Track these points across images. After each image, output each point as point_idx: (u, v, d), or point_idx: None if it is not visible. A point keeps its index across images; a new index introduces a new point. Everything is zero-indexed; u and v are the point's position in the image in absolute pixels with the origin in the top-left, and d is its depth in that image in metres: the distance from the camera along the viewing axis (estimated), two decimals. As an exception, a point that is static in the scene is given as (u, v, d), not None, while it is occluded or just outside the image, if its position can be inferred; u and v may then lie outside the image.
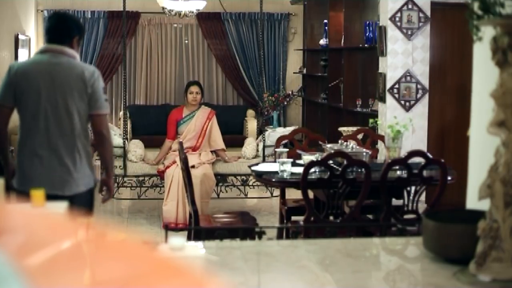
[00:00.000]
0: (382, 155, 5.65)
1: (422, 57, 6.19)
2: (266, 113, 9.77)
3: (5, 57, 8.00)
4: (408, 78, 6.19)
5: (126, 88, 7.32)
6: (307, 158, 4.75)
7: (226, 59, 10.51)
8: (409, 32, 6.15)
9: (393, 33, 6.15)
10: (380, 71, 6.40)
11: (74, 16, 3.86)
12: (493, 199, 1.79)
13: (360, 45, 7.91)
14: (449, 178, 4.36)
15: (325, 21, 9.19)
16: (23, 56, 8.85)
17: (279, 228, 5.06)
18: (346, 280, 1.93)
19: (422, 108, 6.24)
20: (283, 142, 5.64)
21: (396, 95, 6.20)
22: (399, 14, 6.14)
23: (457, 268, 1.90)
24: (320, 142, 5.43)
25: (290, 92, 10.37)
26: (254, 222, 4.85)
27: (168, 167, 6.52)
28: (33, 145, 3.37)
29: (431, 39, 6.22)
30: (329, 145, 4.96)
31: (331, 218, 4.35)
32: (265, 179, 4.71)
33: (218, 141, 6.83)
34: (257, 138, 8.03)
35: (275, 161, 5.05)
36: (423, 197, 4.52)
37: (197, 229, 3.96)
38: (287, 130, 7.34)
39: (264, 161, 6.68)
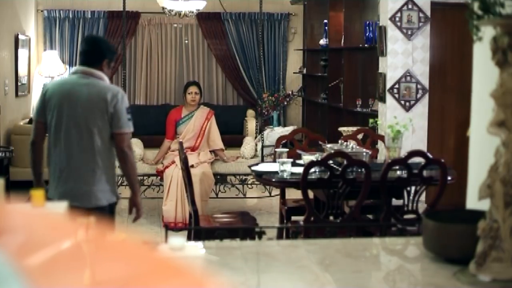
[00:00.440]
0: (382, 155, 5.65)
1: (422, 57, 6.19)
2: (266, 113, 9.77)
3: (5, 57, 8.00)
4: (408, 78, 6.19)
5: (126, 88, 7.33)
6: (307, 158, 4.75)
7: (226, 59, 10.50)
8: (409, 32, 6.15)
9: (393, 33, 6.15)
10: (380, 71, 6.40)
11: (106, 40, 4.04)
12: (493, 199, 1.79)
13: (360, 45, 7.91)
14: (449, 178, 4.36)
15: (325, 21, 9.18)
16: (23, 56, 8.85)
17: (279, 228, 5.06)
18: (346, 280, 1.93)
19: (422, 108, 6.24)
20: (283, 142, 5.64)
21: (396, 95, 6.20)
22: (399, 14, 6.14)
23: (457, 268, 1.90)
24: (320, 142, 5.43)
25: (290, 92, 10.36)
26: (254, 222, 4.85)
27: (167, 167, 6.52)
28: (56, 158, 3.59)
29: (431, 39, 6.22)
30: (329, 145, 4.96)
31: (331, 218, 4.35)
32: (265, 179, 4.71)
33: (217, 141, 6.84)
34: (255, 138, 8.02)
35: (274, 161, 5.05)
36: (423, 197, 4.52)
37: (197, 229, 3.96)
38: (286, 130, 7.34)
39: (262, 161, 6.68)
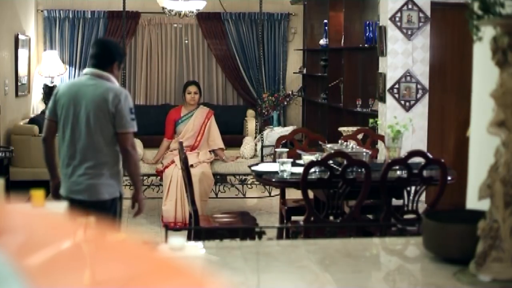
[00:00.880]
0: (382, 155, 5.64)
1: (422, 57, 6.19)
2: (266, 113, 9.77)
3: (5, 57, 8.00)
4: (408, 78, 6.19)
5: (125, 88, 7.33)
6: (307, 158, 4.75)
7: (226, 59, 10.50)
8: (409, 32, 6.15)
9: (393, 33, 6.15)
10: (380, 71, 6.40)
11: (116, 43, 4.20)
12: (493, 199, 1.79)
13: (360, 45, 7.91)
14: (449, 178, 4.36)
15: (325, 21, 9.18)
16: (23, 56, 8.85)
17: (279, 228, 5.06)
18: (346, 280, 1.93)
19: (422, 108, 6.24)
20: (283, 142, 5.64)
21: (396, 95, 6.20)
22: (399, 14, 6.14)
23: (457, 268, 1.90)
24: (320, 142, 5.43)
25: (290, 92, 10.36)
26: (254, 222, 4.85)
27: (166, 167, 6.52)
28: (64, 154, 3.80)
29: (431, 39, 6.22)
30: (329, 145, 4.96)
31: (331, 218, 4.35)
32: (265, 179, 4.71)
33: (217, 140, 6.84)
34: (255, 138, 8.02)
35: (274, 161, 5.04)
36: (423, 197, 4.52)
37: (197, 229, 3.96)
38: (286, 130, 7.34)
39: (262, 161, 6.68)
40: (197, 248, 2.13)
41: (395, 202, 4.60)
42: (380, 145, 5.98)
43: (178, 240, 1.69)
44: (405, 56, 6.17)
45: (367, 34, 7.61)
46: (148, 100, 10.47)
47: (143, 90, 10.46)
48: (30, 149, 7.74)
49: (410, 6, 6.13)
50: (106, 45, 3.92)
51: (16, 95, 8.47)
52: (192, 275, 0.73)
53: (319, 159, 4.37)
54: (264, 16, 9.93)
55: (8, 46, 8.15)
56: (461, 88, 6.14)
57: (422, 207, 4.51)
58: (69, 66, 10.07)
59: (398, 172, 4.52)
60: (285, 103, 10.36)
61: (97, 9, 10.06)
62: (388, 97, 6.21)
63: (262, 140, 7.21)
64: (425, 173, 4.32)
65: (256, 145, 7.35)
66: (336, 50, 8.77)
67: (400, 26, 6.14)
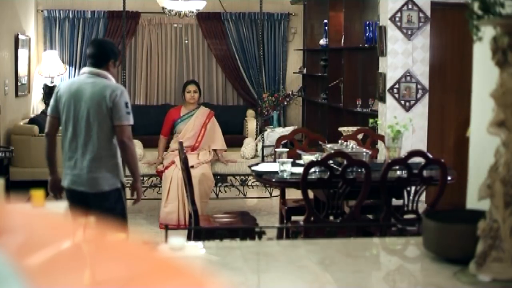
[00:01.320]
0: (382, 155, 5.64)
1: (422, 57, 6.19)
2: (266, 113, 9.77)
3: (5, 57, 8.00)
4: (408, 78, 6.19)
5: (126, 87, 7.32)
6: (307, 158, 4.75)
7: (226, 59, 10.50)
8: (409, 32, 6.15)
9: (393, 33, 6.15)
10: (380, 71, 6.40)
11: (110, 42, 4.44)
12: (493, 199, 1.79)
13: (360, 45, 7.91)
14: (449, 178, 4.36)
15: (325, 21, 9.18)
16: (23, 56, 8.85)
17: (279, 228, 5.06)
18: (346, 280, 1.93)
19: (422, 108, 6.24)
20: (283, 142, 5.64)
21: (396, 95, 6.20)
22: (399, 14, 6.13)
23: (457, 268, 1.90)
24: (320, 142, 5.43)
25: (290, 92, 10.37)
26: (254, 222, 4.85)
27: (167, 167, 6.50)
28: (66, 149, 4.06)
29: (431, 39, 6.22)
30: (329, 145, 4.96)
31: (331, 218, 4.35)
32: (265, 179, 4.71)
33: (219, 142, 6.81)
34: (256, 138, 8.02)
35: (275, 161, 5.04)
36: (423, 197, 4.52)
37: (197, 229, 3.96)
38: (286, 130, 7.34)
39: (263, 161, 6.67)
40: (197, 248, 2.13)
41: (395, 202, 4.60)
42: (380, 145, 5.98)
43: (178, 240, 1.69)
44: (405, 56, 6.17)
45: (367, 34, 7.61)
46: (148, 100, 10.47)
47: (143, 90, 10.46)
48: (30, 149, 7.74)
49: (410, 6, 6.13)
50: (101, 45, 4.16)
51: (16, 95, 8.46)
52: (192, 275, 0.73)
53: (319, 159, 4.37)
54: (264, 16, 9.93)
55: (8, 46, 8.15)
56: (461, 88, 6.14)
57: (422, 207, 4.50)
58: (69, 66, 10.07)
59: (398, 172, 4.52)
60: (285, 103, 10.36)
61: (97, 9, 10.06)
62: (388, 97, 6.21)
63: (263, 140, 7.20)
64: (425, 173, 4.32)
65: (257, 145, 7.35)
66: (336, 50, 8.77)
67: (400, 26, 6.14)
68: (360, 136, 5.67)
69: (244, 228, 4.02)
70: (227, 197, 7.13)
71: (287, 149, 5.16)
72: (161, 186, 6.76)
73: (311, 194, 4.56)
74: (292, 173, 4.54)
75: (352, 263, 2.06)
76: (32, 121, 8.10)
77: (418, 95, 6.21)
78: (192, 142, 6.65)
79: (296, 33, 10.75)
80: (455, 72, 6.39)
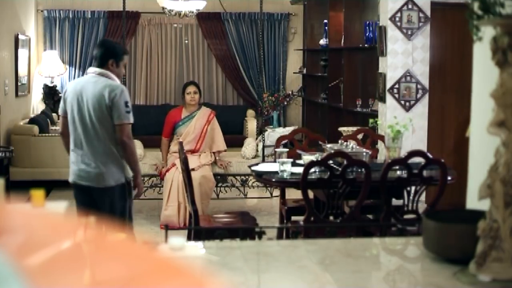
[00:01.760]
0: (382, 155, 5.64)
1: (422, 57, 6.19)
2: (266, 113, 9.77)
3: (5, 57, 8.00)
4: (408, 78, 6.19)
5: (126, 87, 7.31)
6: (307, 158, 4.75)
7: (226, 59, 10.51)
8: (409, 32, 6.15)
9: (393, 33, 6.15)
10: (380, 71, 6.40)
11: (112, 43, 4.58)
12: (493, 199, 1.79)
13: (360, 45, 7.91)
14: (449, 178, 4.36)
15: (325, 21, 9.18)
16: (23, 56, 8.85)
17: (279, 228, 5.06)
18: (346, 280, 1.93)
19: (422, 108, 6.24)
20: (283, 142, 5.63)
21: (396, 95, 6.20)
22: (399, 14, 6.13)
23: (457, 268, 1.90)
24: (320, 142, 5.43)
25: (290, 92, 10.37)
26: (254, 222, 4.85)
27: (168, 170, 6.48)
28: (72, 145, 4.20)
29: (431, 39, 6.22)
30: (329, 145, 4.96)
31: (331, 218, 4.35)
32: (265, 179, 4.71)
33: (219, 143, 6.77)
34: (256, 138, 8.01)
35: (275, 161, 5.04)
36: (423, 197, 4.51)
37: (197, 229, 3.96)
38: (287, 130, 7.33)
39: (263, 161, 6.66)
40: (197, 248, 2.13)
41: (395, 202, 4.60)
42: (380, 145, 5.98)
43: (178, 240, 1.69)
44: (405, 56, 6.17)
45: (367, 34, 7.61)
46: (148, 100, 10.47)
47: (143, 90, 10.46)
48: (30, 149, 7.74)
49: (410, 6, 6.13)
50: (102, 45, 4.31)
51: (16, 95, 8.46)
52: (192, 275, 0.73)
53: (319, 159, 4.37)
54: (264, 16, 9.93)
55: (8, 46, 8.15)
56: (461, 88, 6.14)
57: (422, 207, 4.50)
58: (69, 66, 10.07)
59: (398, 172, 4.52)
60: (285, 103, 10.36)
61: (97, 9, 10.06)
62: (388, 97, 6.21)
63: (264, 140, 7.20)
64: (425, 173, 4.32)
65: (257, 145, 7.35)
66: (336, 50, 8.77)
67: (400, 26, 6.14)
68: (360, 136, 5.67)
69: (244, 228, 4.02)
70: (228, 197, 7.13)
71: (287, 149, 5.16)
72: (161, 186, 6.75)
73: (311, 194, 4.56)
74: (292, 173, 4.54)
75: (352, 263, 2.06)
76: (32, 121, 8.10)
77: (418, 95, 6.21)
78: (192, 145, 6.60)
79: (296, 33, 10.75)
80: (455, 72, 6.39)
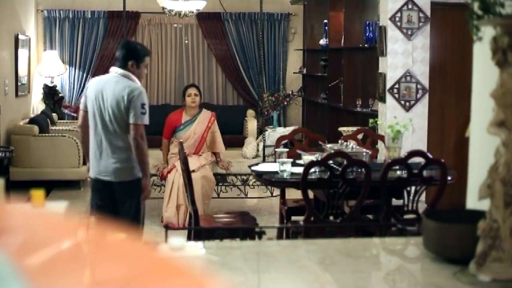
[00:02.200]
0: (382, 155, 5.64)
1: (422, 57, 6.19)
2: (266, 113, 9.77)
3: (5, 57, 8.00)
4: (408, 78, 6.19)
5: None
6: (307, 158, 4.75)
7: (226, 59, 10.50)
8: (409, 32, 6.15)
9: (393, 33, 6.15)
10: (380, 71, 6.40)
11: (134, 44, 4.76)
12: (493, 199, 1.79)
13: (360, 45, 7.91)
14: (449, 178, 4.36)
15: (325, 21, 9.18)
16: (23, 56, 8.85)
17: (279, 228, 5.06)
18: (346, 280, 1.93)
19: (422, 108, 6.24)
20: (283, 142, 5.63)
21: (396, 95, 6.20)
22: (399, 14, 6.13)
23: (457, 268, 1.90)
24: (320, 142, 5.43)
25: (290, 92, 10.36)
26: (254, 222, 4.85)
27: (169, 171, 6.48)
28: (93, 141, 4.39)
29: (431, 39, 6.22)
30: (329, 145, 4.96)
31: (331, 218, 4.35)
32: (265, 179, 4.71)
33: (218, 145, 6.77)
34: (257, 138, 8.00)
35: (275, 161, 5.05)
36: (423, 197, 4.51)
37: (197, 229, 3.96)
38: (287, 130, 7.33)
39: (264, 161, 6.66)
40: (197, 248, 2.13)
41: (395, 202, 4.60)
42: (380, 145, 5.98)
43: (178, 240, 1.69)
44: (405, 56, 6.17)
45: (367, 34, 7.61)
46: (148, 100, 10.45)
47: (143, 90, 10.45)
48: (30, 149, 7.74)
49: (410, 6, 6.13)
50: (123, 46, 4.48)
51: (16, 95, 8.46)
52: (192, 275, 0.73)
53: (319, 159, 4.37)
54: (264, 16, 9.93)
55: (8, 46, 8.15)
56: (461, 88, 6.14)
57: (422, 207, 4.50)
58: (69, 66, 10.07)
59: (398, 172, 4.52)
60: (285, 103, 10.36)
61: (97, 9, 10.05)
62: (388, 97, 6.21)
63: (264, 140, 7.19)
64: (425, 173, 4.32)
65: (258, 145, 7.34)
66: (336, 50, 8.77)
67: (400, 26, 6.14)
68: (360, 136, 5.67)
69: (244, 228, 4.02)
70: (228, 197, 7.12)
71: (287, 149, 5.16)
72: (161, 185, 6.76)
73: (311, 194, 4.56)
74: (292, 173, 4.54)
75: (352, 263, 2.06)
76: (32, 121, 8.10)
77: (418, 95, 6.21)
78: (192, 149, 6.57)
79: (296, 33, 10.75)
80: (455, 72, 6.39)
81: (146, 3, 9.49)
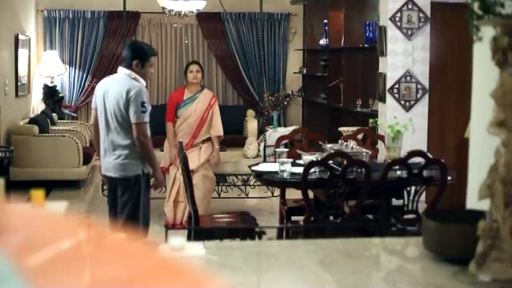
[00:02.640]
0: (382, 155, 5.64)
1: (422, 57, 6.19)
2: (266, 113, 9.77)
3: (5, 57, 8.00)
4: (408, 78, 6.19)
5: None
6: (307, 158, 4.75)
7: (226, 59, 10.51)
8: (409, 32, 6.15)
9: (393, 33, 6.15)
10: (380, 71, 6.40)
11: (139, 45, 4.87)
12: (493, 199, 1.79)
13: (360, 45, 7.91)
14: (449, 178, 4.36)
15: (325, 21, 9.19)
16: (23, 56, 8.85)
17: (279, 228, 5.05)
18: (346, 280, 1.93)
19: (422, 108, 6.24)
20: (283, 142, 5.63)
21: (396, 95, 6.20)
22: (399, 14, 6.14)
23: (457, 268, 1.90)
24: (320, 142, 5.42)
25: (290, 92, 10.36)
26: (254, 222, 4.85)
27: (170, 164, 6.41)
28: (102, 139, 4.54)
29: (431, 39, 6.22)
30: (329, 145, 4.96)
31: (331, 218, 4.35)
32: (265, 179, 4.71)
33: (217, 127, 6.50)
34: (257, 138, 8.00)
35: (275, 161, 5.05)
36: (423, 197, 4.51)
37: (197, 229, 3.96)
38: (288, 130, 7.33)
39: (265, 161, 6.65)
40: (197, 248, 2.13)
41: (395, 202, 4.60)
42: (380, 145, 5.98)
43: (178, 240, 1.69)
44: (405, 56, 6.17)
45: (367, 34, 7.61)
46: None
47: (143, 90, 10.46)
48: (30, 149, 7.74)
49: (410, 6, 6.13)
50: (129, 46, 4.62)
51: (16, 95, 8.46)
52: (192, 275, 0.73)
53: (319, 159, 4.37)
54: (264, 16, 9.93)
55: (8, 46, 8.15)
56: (461, 88, 6.14)
57: (422, 207, 4.50)
58: (69, 66, 10.07)
59: (398, 172, 4.52)
60: (285, 103, 10.36)
61: (97, 9, 10.06)
62: (388, 97, 6.21)
63: (265, 140, 7.18)
64: (425, 173, 4.32)
65: (259, 145, 7.34)
66: (336, 50, 8.77)
67: (400, 26, 6.14)
68: (360, 136, 5.67)
69: (244, 228, 4.02)
70: (229, 197, 7.12)
71: (287, 149, 5.16)
72: (163, 186, 6.73)
73: (311, 194, 4.56)
74: (292, 173, 4.54)
75: (352, 263, 2.06)
76: (32, 121, 8.10)
77: (418, 95, 6.21)
78: (193, 128, 6.45)
79: (296, 33, 10.75)
80: (455, 72, 6.39)
81: (146, 3, 9.49)
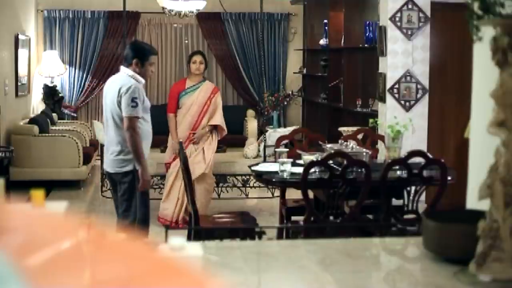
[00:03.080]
0: (382, 155, 5.64)
1: (422, 57, 6.19)
2: (266, 113, 9.77)
3: (5, 57, 8.00)
4: (408, 78, 6.19)
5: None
6: (307, 158, 4.75)
7: (226, 59, 10.50)
8: (409, 32, 6.15)
9: (393, 33, 6.15)
10: (380, 71, 6.40)
11: (140, 44, 5.07)
12: (493, 199, 1.79)
13: (360, 45, 7.91)
14: (449, 178, 4.36)
15: (325, 21, 9.19)
16: (23, 56, 8.85)
17: (279, 228, 5.06)
18: (346, 280, 1.93)
19: (422, 108, 6.24)
20: (283, 142, 5.63)
21: (396, 95, 6.20)
22: (399, 14, 6.14)
23: (457, 268, 1.90)
24: (320, 142, 5.42)
25: (290, 92, 10.36)
26: (254, 222, 4.85)
27: (174, 158, 6.37)
28: (104, 136, 4.77)
29: (431, 39, 6.22)
30: (329, 145, 4.96)
31: (331, 218, 4.35)
32: (265, 179, 4.71)
33: (218, 118, 6.47)
34: (258, 138, 7.99)
35: (275, 161, 5.05)
36: (423, 197, 4.51)
37: (197, 229, 3.96)
38: (288, 130, 7.33)
39: (265, 161, 6.65)
40: (197, 248, 2.13)
41: (395, 202, 4.60)
42: (380, 145, 5.98)
43: (178, 240, 1.69)
44: (405, 56, 6.17)
45: (367, 34, 7.61)
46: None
47: (143, 90, 10.45)
48: (30, 149, 7.74)
49: (410, 6, 6.13)
50: (129, 46, 4.75)
51: (16, 95, 8.46)
52: (192, 275, 0.73)
53: (319, 159, 4.37)
54: (264, 16, 9.93)
55: (8, 46, 8.15)
56: (461, 88, 6.14)
57: (422, 207, 4.50)
58: (69, 66, 10.07)
59: (398, 172, 4.52)
60: (285, 103, 10.36)
61: (97, 9, 10.06)
62: (388, 97, 6.21)
63: (265, 140, 7.17)
64: (425, 173, 4.32)
65: (259, 145, 7.34)
66: (336, 50, 8.77)
67: (400, 26, 6.14)
68: (360, 136, 5.67)
69: (244, 228, 4.02)
70: (229, 197, 7.12)
71: (287, 149, 5.16)
72: (162, 187, 6.73)
73: (311, 194, 4.56)
74: (292, 173, 4.54)
75: (352, 263, 2.06)
76: (32, 121, 8.10)
77: (418, 95, 6.21)
78: (194, 118, 6.41)
79: (296, 33, 10.75)
80: (455, 72, 6.39)
81: (146, 3, 9.49)
